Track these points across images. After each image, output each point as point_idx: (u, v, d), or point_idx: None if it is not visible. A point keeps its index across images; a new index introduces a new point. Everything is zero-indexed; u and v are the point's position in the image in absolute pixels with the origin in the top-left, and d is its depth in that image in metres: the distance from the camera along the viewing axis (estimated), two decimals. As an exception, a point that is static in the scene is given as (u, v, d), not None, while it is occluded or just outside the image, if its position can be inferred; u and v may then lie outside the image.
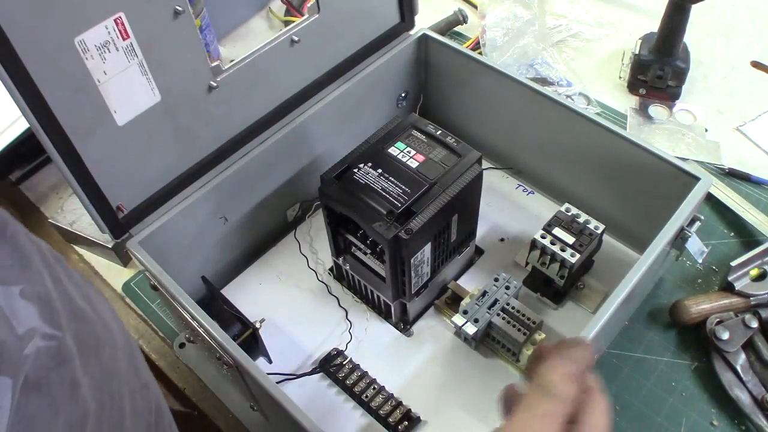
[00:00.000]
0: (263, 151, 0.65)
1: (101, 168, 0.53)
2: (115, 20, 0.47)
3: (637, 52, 0.87)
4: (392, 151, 0.60)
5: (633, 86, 0.89)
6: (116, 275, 0.76)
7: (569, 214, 0.65)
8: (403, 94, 0.78)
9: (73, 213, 0.76)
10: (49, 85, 0.46)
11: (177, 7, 0.51)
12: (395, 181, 0.57)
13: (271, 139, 0.65)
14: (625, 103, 0.89)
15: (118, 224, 0.57)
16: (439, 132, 0.61)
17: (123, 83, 0.50)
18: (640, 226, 0.66)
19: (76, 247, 0.79)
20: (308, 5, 0.65)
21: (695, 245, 0.60)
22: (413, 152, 0.60)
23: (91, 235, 0.74)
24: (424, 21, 0.78)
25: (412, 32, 0.75)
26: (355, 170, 0.58)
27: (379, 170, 0.58)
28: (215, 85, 0.58)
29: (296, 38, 0.64)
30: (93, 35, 0.47)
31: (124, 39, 0.48)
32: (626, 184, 0.66)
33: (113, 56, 0.48)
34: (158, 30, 0.51)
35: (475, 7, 0.97)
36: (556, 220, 0.64)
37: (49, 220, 0.77)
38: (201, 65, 0.56)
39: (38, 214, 0.82)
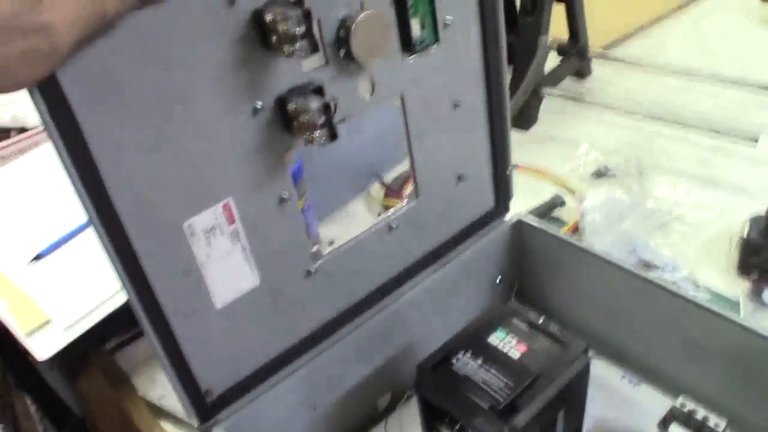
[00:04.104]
0: (357, 337, 0.63)
1: (195, 350, 0.52)
2: (223, 205, 0.49)
3: (745, 235, 0.84)
4: (493, 339, 0.57)
5: (744, 270, 0.85)
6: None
7: (685, 409, 0.59)
8: (498, 280, 0.77)
9: (163, 387, 0.76)
10: (154, 266, 0.47)
11: (283, 195, 0.52)
12: (497, 373, 0.54)
13: (365, 325, 0.64)
14: (736, 288, 0.84)
15: (205, 408, 0.55)
16: (542, 320, 0.59)
17: (225, 267, 0.51)
18: (766, 419, 0.60)
19: (163, 423, 0.77)
20: (407, 190, 0.66)
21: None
22: (515, 341, 0.57)
23: (179, 412, 0.73)
24: (520, 205, 0.78)
25: (507, 217, 0.75)
26: (454, 360, 0.55)
27: (480, 360, 0.55)
28: (313, 270, 0.58)
29: (394, 225, 0.64)
30: (201, 220, 0.48)
31: (230, 224, 0.50)
32: (747, 374, 0.61)
33: (218, 240, 0.49)
34: (263, 216, 0.52)
35: (573, 191, 0.97)
36: (672, 416, 0.58)
37: (139, 395, 0.77)
38: (301, 251, 0.56)
39: (129, 385, 0.81)
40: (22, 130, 1.03)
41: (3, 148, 0.99)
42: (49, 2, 0.34)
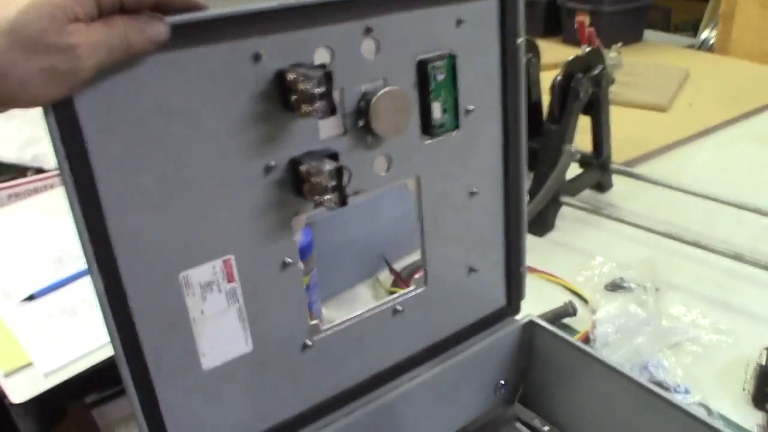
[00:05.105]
0: (346, 425, 0.60)
1: (174, 413, 0.49)
2: (224, 261, 0.48)
3: (763, 363, 0.80)
4: (491, 441, 0.54)
5: (759, 400, 0.80)
6: None
7: None
8: (502, 382, 0.73)
9: (134, 451, 0.72)
10: (143, 315, 0.45)
11: (287, 259, 0.51)
12: (493, 477, 0.50)
13: (356, 413, 0.61)
14: (750, 418, 0.79)
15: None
16: (547, 428, 0.55)
17: (217, 327, 0.49)
18: None
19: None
20: (416, 277, 0.64)
21: None
22: (515, 446, 0.53)
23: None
24: (530, 308, 0.76)
25: (517, 317, 0.73)
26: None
27: (476, 462, 0.52)
28: (310, 344, 0.56)
29: (400, 308, 0.62)
30: (199, 273, 0.47)
31: (228, 282, 0.48)
32: None
33: (214, 297, 0.48)
34: (264, 278, 0.51)
35: (586, 301, 0.95)
36: None
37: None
38: (300, 322, 0.54)
39: (102, 445, 0.78)
40: (40, 170, 1.06)
41: (18, 186, 1.02)
42: (77, 25, 0.35)
